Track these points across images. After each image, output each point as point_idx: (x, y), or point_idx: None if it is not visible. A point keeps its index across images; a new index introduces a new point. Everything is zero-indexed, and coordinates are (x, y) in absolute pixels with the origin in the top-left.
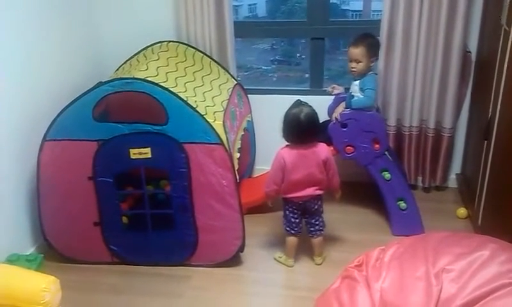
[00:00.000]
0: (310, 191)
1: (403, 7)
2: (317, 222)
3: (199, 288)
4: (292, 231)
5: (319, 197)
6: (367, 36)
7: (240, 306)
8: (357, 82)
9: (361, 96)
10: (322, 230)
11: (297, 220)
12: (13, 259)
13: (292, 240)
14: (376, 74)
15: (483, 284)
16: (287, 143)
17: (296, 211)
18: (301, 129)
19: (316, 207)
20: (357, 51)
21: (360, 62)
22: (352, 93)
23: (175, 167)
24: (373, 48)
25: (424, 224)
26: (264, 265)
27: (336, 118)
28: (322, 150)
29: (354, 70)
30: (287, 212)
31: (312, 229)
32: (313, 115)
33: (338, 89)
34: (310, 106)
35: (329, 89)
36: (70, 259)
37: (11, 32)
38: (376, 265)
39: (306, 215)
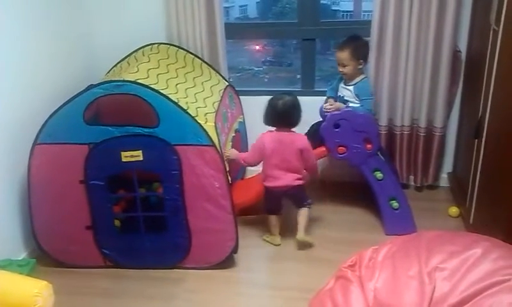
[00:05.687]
0: (290, 180)
1: (393, 8)
2: (302, 203)
3: (193, 290)
4: (272, 210)
5: (299, 188)
6: (353, 38)
7: None
8: (350, 88)
9: (358, 104)
10: (307, 205)
11: (272, 206)
12: (4, 265)
13: (272, 218)
14: (367, 77)
15: (476, 282)
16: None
17: (272, 199)
18: (276, 113)
19: (298, 195)
20: (342, 55)
21: (346, 66)
22: (346, 98)
23: (167, 170)
24: (359, 51)
25: (416, 223)
26: (257, 266)
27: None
28: (299, 139)
29: (343, 73)
30: (267, 196)
31: (298, 204)
32: (292, 102)
33: (336, 107)
34: (294, 96)
35: (329, 105)
36: (62, 264)
37: (0, 34)
38: (369, 264)
39: (290, 200)
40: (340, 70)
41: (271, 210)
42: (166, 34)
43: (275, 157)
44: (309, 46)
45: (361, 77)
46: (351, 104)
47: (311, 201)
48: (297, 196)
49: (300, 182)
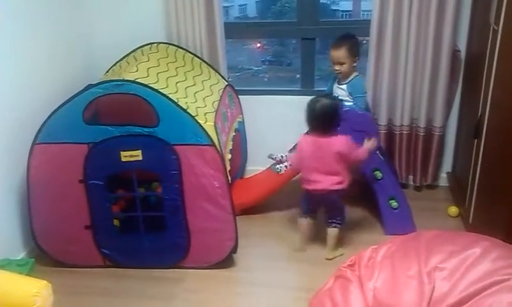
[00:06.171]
0: (328, 183)
1: (393, 7)
2: (333, 219)
3: (192, 290)
4: (302, 214)
5: (337, 193)
6: (347, 36)
7: None
8: (344, 87)
9: (351, 102)
10: (338, 224)
11: (309, 207)
12: (3, 264)
13: (302, 222)
14: (360, 75)
15: (475, 282)
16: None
17: (310, 200)
18: (314, 117)
19: (332, 200)
20: (339, 53)
21: (343, 64)
22: (340, 97)
23: (167, 169)
24: (354, 49)
25: (416, 222)
26: (257, 266)
27: None
28: (336, 142)
29: (339, 72)
30: (305, 197)
31: (329, 220)
32: (329, 106)
33: None
34: (333, 98)
35: None
36: (61, 264)
37: (0, 33)
38: (368, 264)
39: (325, 209)
40: (337, 68)
41: (306, 209)
42: (166, 33)
43: (313, 160)
44: (308, 45)
45: (354, 74)
46: (346, 103)
47: (342, 219)
48: (333, 204)
49: (339, 186)
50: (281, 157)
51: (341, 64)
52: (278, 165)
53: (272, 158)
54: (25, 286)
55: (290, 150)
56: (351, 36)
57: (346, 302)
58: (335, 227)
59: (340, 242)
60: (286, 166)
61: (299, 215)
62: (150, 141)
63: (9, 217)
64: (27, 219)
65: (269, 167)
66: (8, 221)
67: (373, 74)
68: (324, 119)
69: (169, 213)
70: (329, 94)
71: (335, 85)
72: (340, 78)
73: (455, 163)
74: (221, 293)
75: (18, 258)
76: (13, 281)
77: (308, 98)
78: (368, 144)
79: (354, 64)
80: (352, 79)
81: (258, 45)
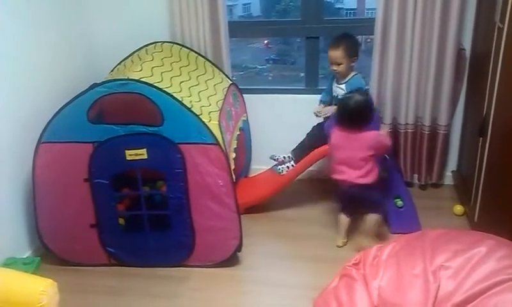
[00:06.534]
0: (353, 177)
1: (397, 5)
2: (370, 212)
3: (197, 288)
4: (342, 208)
5: (363, 187)
6: (345, 36)
7: (238, 306)
8: (342, 86)
9: None
10: (376, 211)
11: (344, 199)
12: (9, 263)
13: (341, 216)
14: (358, 73)
15: (481, 281)
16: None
17: (341, 195)
18: (347, 113)
19: (363, 197)
20: (337, 54)
21: (340, 64)
22: (339, 97)
23: (171, 168)
24: (352, 48)
25: (421, 221)
26: (261, 264)
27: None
28: (369, 136)
29: (336, 72)
30: (338, 190)
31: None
32: (363, 102)
33: (325, 112)
34: (366, 94)
35: (317, 113)
36: (67, 262)
37: (2, 34)
38: (373, 263)
39: (360, 206)
40: (334, 68)
41: (342, 207)
42: (169, 32)
43: (341, 152)
44: (313, 44)
45: (353, 74)
46: None
47: (380, 205)
48: (364, 197)
49: (363, 181)
50: (284, 157)
51: (338, 64)
52: (279, 166)
53: (275, 159)
54: (31, 285)
55: (293, 150)
56: (349, 36)
57: (351, 301)
58: (373, 213)
59: (376, 233)
60: (288, 167)
61: (339, 211)
62: (154, 140)
63: (15, 216)
64: (33, 218)
65: (271, 167)
66: (13, 220)
67: (377, 73)
68: (358, 115)
69: (173, 211)
70: (361, 90)
71: (334, 84)
72: (338, 77)
73: (460, 161)
74: (225, 292)
75: (24, 257)
76: (19, 279)
77: (312, 96)
78: (383, 131)
79: (352, 64)
80: (350, 78)
81: (266, 41)
